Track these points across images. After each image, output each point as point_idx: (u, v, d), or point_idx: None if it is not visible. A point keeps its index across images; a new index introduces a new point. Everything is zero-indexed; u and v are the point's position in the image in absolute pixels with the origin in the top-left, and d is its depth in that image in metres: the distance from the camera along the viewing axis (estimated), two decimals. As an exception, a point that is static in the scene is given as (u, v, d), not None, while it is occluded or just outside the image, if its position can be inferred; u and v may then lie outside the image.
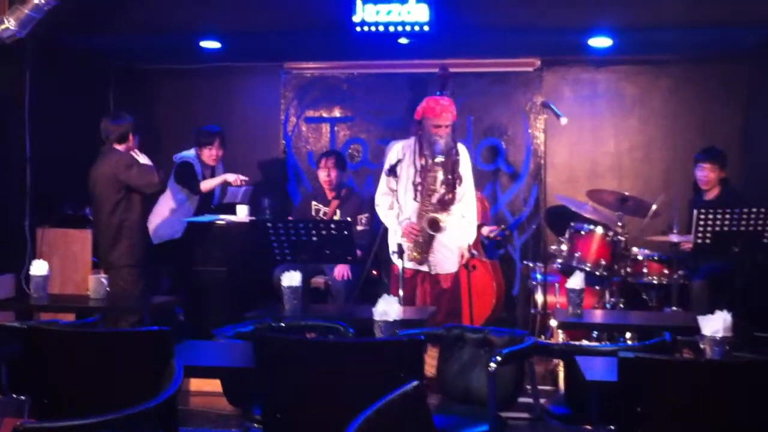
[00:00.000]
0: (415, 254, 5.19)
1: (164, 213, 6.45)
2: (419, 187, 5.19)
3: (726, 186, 6.10)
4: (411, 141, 5.35)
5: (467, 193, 5.29)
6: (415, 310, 4.75)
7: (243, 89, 7.63)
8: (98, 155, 5.63)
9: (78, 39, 6.65)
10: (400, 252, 4.94)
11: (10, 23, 5.58)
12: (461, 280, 5.29)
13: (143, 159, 5.64)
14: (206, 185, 6.43)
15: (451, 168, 5.19)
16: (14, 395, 3.73)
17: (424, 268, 5.22)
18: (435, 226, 5.12)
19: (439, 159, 5.16)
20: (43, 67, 6.47)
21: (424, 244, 5.18)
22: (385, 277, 6.16)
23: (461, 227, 5.24)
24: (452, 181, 5.19)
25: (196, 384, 5.23)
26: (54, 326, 3.49)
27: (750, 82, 6.95)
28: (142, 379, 2.80)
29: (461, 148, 5.30)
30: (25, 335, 3.12)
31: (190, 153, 6.50)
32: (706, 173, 6.07)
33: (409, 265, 5.17)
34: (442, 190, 5.18)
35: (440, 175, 5.18)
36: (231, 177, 6.38)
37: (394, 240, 5.19)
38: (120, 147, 5.57)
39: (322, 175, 6.39)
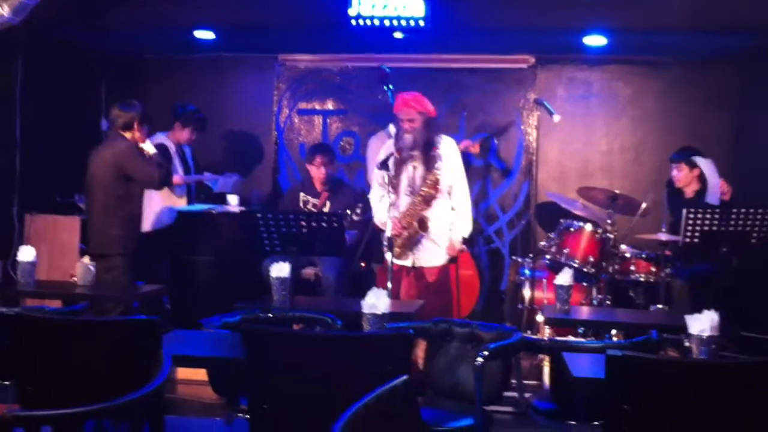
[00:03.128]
0: (396, 249, 5.18)
1: (152, 202, 6.42)
2: (395, 181, 5.18)
3: (705, 184, 6.15)
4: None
5: (456, 186, 5.25)
6: (403, 303, 4.75)
7: (236, 80, 7.61)
8: (103, 140, 5.56)
9: (71, 29, 6.61)
10: (390, 245, 4.94)
11: (4, 10, 5.54)
12: (450, 274, 5.29)
13: (149, 149, 5.50)
14: (178, 180, 6.41)
15: (429, 163, 5.15)
16: (-1, 381, 3.72)
17: (407, 262, 5.22)
18: (423, 225, 5.12)
19: (413, 153, 5.14)
20: (35, 56, 6.44)
21: (411, 241, 5.17)
22: (374, 270, 6.17)
23: (449, 221, 5.23)
24: (428, 177, 5.15)
25: (182, 373, 5.22)
26: (41, 313, 3.49)
27: (742, 84, 6.98)
28: (129, 367, 2.79)
29: (446, 142, 5.26)
30: (12, 322, 3.10)
31: (158, 136, 6.46)
32: (675, 173, 6.17)
33: (395, 259, 5.18)
34: (419, 184, 5.16)
35: (418, 171, 5.17)
36: (208, 177, 6.43)
37: (385, 233, 5.19)
38: (126, 134, 5.46)
39: (315, 172, 6.36)
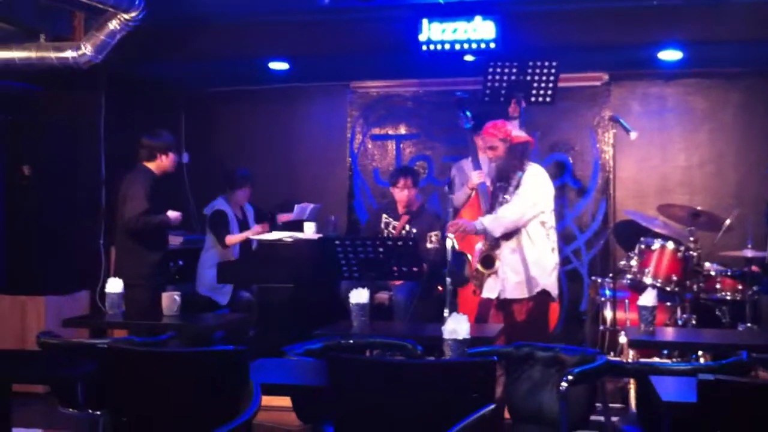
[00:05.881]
0: (474, 281, 5.18)
1: (210, 262, 6.49)
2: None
3: None
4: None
5: (516, 200, 5.04)
6: (483, 327, 4.72)
7: (310, 109, 7.74)
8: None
9: (150, 64, 6.82)
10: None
11: (87, 49, 5.75)
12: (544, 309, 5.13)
13: (173, 214, 5.59)
14: (231, 240, 6.51)
15: (511, 191, 5.06)
16: (90, 411, 3.81)
17: (492, 294, 5.14)
18: (488, 262, 5.06)
19: (502, 184, 5.10)
20: (117, 92, 6.67)
21: (478, 276, 5.14)
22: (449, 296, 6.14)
23: (539, 256, 5.08)
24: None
25: (264, 399, 5.26)
26: (131, 345, 3.58)
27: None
28: (218, 397, 2.84)
29: (531, 170, 5.12)
30: (103, 354, 3.19)
31: (219, 201, 6.62)
32: None
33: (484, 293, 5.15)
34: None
35: (500, 199, 5.11)
36: (252, 233, 6.49)
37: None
38: (150, 165, 5.62)
39: (398, 194, 6.35)
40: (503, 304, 5.12)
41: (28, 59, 5.80)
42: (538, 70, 5.85)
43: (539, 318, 5.11)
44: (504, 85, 5.89)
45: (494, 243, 5.12)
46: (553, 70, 5.84)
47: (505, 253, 5.09)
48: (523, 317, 5.07)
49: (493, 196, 5.19)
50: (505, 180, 5.08)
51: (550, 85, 5.87)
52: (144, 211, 5.40)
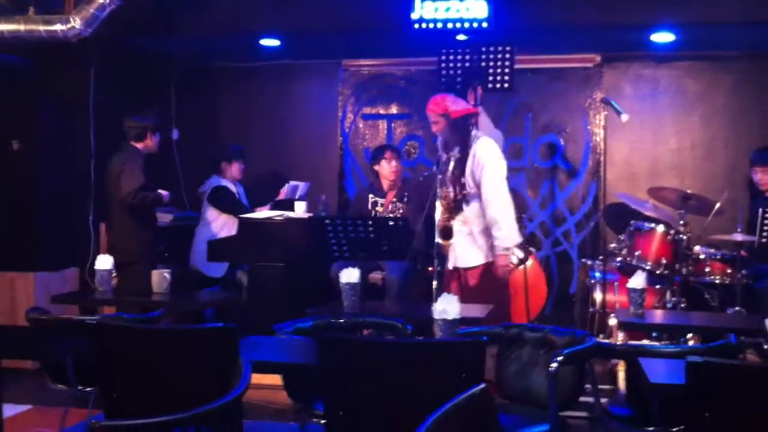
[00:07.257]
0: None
1: (207, 236, 6.47)
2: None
3: None
4: None
5: (483, 189, 5.00)
6: (473, 308, 4.73)
7: (301, 87, 7.70)
8: (119, 151, 5.74)
9: (140, 39, 6.77)
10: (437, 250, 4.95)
11: (76, 22, 5.70)
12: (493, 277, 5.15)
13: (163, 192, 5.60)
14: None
15: (460, 166, 5.03)
16: (80, 387, 3.81)
17: (450, 264, 5.16)
18: (445, 233, 5.06)
19: (449, 156, 5.08)
20: (107, 67, 6.61)
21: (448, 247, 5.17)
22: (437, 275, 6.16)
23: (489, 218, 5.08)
24: (459, 179, 5.03)
25: (254, 378, 5.26)
26: (122, 322, 3.58)
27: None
28: (209, 374, 2.84)
29: (480, 143, 5.08)
30: (93, 330, 3.18)
31: (216, 179, 6.60)
32: (759, 176, 6.10)
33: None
34: (450, 189, 5.06)
35: (450, 174, 5.07)
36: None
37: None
38: (138, 145, 5.63)
39: (387, 168, 6.33)
40: (458, 273, 5.14)
41: (17, 32, 5.75)
42: (492, 56, 5.74)
43: (494, 284, 5.09)
44: (459, 72, 5.80)
45: (450, 215, 5.09)
46: (508, 55, 5.74)
47: (457, 225, 5.10)
48: (476, 283, 5.08)
49: (455, 189, 5.14)
50: (446, 153, 5.08)
51: (507, 70, 5.75)
52: (141, 186, 5.42)
